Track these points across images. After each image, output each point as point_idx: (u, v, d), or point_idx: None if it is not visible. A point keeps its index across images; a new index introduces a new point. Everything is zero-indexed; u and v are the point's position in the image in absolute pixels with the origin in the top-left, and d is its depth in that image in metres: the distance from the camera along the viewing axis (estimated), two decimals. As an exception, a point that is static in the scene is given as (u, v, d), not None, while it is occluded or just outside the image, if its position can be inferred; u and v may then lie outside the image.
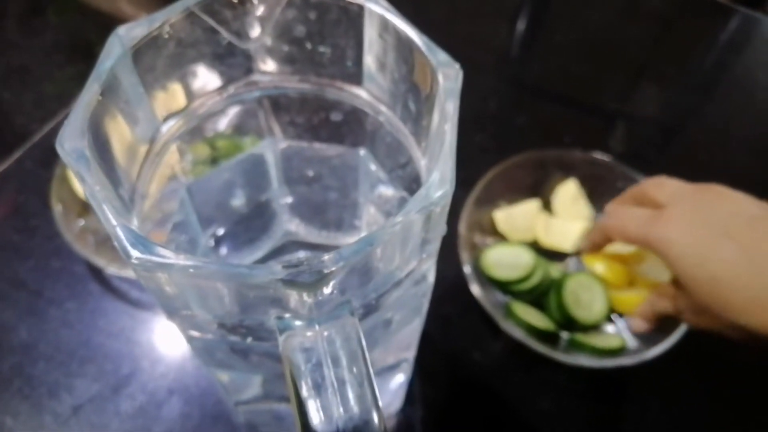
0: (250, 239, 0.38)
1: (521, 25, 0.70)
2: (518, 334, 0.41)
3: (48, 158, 0.49)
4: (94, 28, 0.66)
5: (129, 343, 0.42)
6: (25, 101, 0.57)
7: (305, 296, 0.17)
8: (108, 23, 0.66)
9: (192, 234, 0.33)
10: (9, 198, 0.49)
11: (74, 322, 0.43)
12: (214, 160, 0.33)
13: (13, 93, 0.58)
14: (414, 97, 0.24)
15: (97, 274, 0.45)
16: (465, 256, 0.44)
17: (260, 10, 0.24)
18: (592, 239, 0.44)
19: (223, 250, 0.36)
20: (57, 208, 0.43)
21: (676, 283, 0.38)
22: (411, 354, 0.34)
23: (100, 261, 0.42)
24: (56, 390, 0.40)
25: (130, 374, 0.41)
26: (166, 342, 0.43)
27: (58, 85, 0.59)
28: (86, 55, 0.62)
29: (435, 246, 0.23)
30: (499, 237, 0.48)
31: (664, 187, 0.40)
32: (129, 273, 0.42)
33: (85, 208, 0.45)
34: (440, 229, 0.22)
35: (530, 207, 0.49)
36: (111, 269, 0.42)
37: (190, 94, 0.26)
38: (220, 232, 0.35)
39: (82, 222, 0.45)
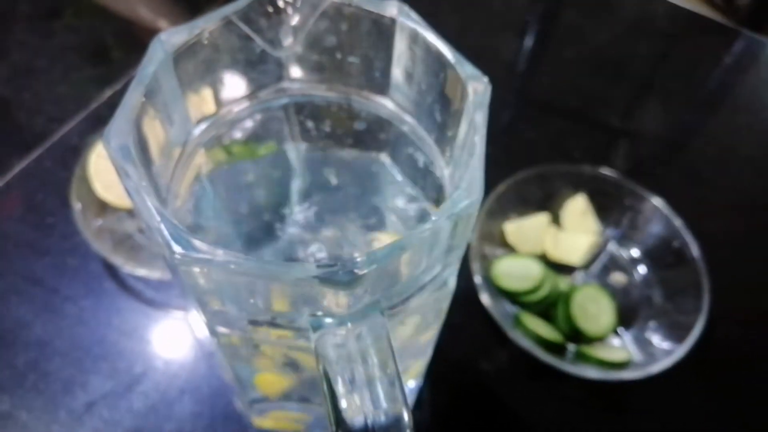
0: (261, 240, 0.38)
1: (530, 40, 0.72)
2: (526, 344, 0.42)
3: (66, 158, 0.50)
4: (112, 31, 0.67)
5: (143, 341, 0.43)
6: (43, 101, 0.57)
7: (342, 294, 0.18)
8: (125, 27, 0.68)
9: (213, 233, 0.33)
10: (27, 196, 0.50)
11: (89, 319, 0.44)
12: (228, 166, 0.34)
13: (32, 93, 0.59)
14: (440, 107, 0.25)
15: (113, 272, 0.45)
16: (476, 267, 0.45)
17: (295, 20, 0.25)
18: None
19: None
20: (76, 206, 0.44)
21: None
22: (425, 360, 0.35)
23: (116, 260, 0.43)
24: (70, 386, 0.41)
25: (143, 373, 0.42)
26: (180, 342, 0.43)
27: (76, 86, 0.59)
28: (104, 57, 0.63)
29: (459, 253, 0.23)
30: (509, 249, 0.49)
31: None
32: (145, 272, 0.43)
33: (103, 208, 0.46)
34: (466, 236, 0.22)
35: (539, 220, 0.50)
36: (127, 268, 0.43)
37: (221, 99, 0.27)
38: (237, 231, 0.36)
39: (100, 221, 0.45)
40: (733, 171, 0.59)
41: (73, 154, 0.48)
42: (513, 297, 0.46)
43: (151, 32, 0.23)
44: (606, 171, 0.51)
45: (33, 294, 0.44)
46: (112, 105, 0.20)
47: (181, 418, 0.40)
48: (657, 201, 0.49)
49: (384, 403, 0.18)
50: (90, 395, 0.40)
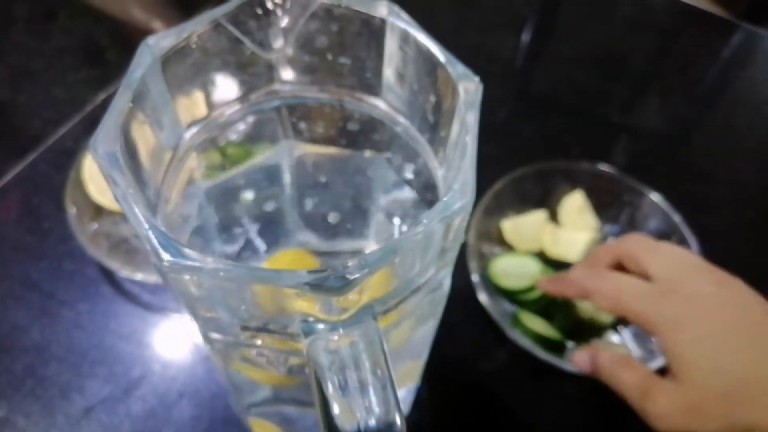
0: (262, 244, 0.38)
1: (528, 37, 0.71)
2: (525, 342, 0.42)
3: (62, 161, 0.50)
4: (107, 33, 0.67)
5: (140, 345, 0.43)
6: (38, 104, 0.57)
7: (333, 300, 0.18)
8: (120, 28, 0.68)
9: (207, 239, 0.33)
10: (23, 200, 0.50)
11: (86, 324, 0.43)
12: (223, 167, 0.34)
13: (27, 96, 0.59)
14: (432, 108, 0.25)
15: (109, 276, 0.45)
16: (473, 265, 0.45)
17: (284, 22, 0.25)
18: (561, 291, 0.41)
19: (235, 256, 0.36)
20: (71, 211, 0.44)
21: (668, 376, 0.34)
22: (421, 361, 0.35)
23: (112, 264, 0.43)
24: (68, 391, 0.41)
25: (141, 377, 0.41)
26: (177, 345, 0.43)
27: (71, 88, 0.59)
28: (99, 59, 0.63)
29: (453, 254, 0.23)
30: (507, 246, 0.49)
31: (656, 254, 0.36)
32: (141, 276, 0.43)
33: (98, 212, 0.46)
34: (459, 237, 0.22)
35: (537, 217, 0.50)
36: (123, 272, 0.43)
37: (212, 103, 0.27)
38: (233, 236, 0.36)
39: (95, 225, 0.45)
40: (732, 166, 0.59)
41: (68, 157, 0.48)
42: (511, 296, 0.45)
43: (146, 33, 0.23)
44: (604, 167, 0.51)
45: (29, 299, 0.44)
46: (107, 107, 0.20)
47: (180, 421, 0.40)
48: (655, 196, 0.49)
49: (376, 409, 0.18)
50: (88, 400, 0.40)
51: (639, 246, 0.38)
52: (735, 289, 0.34)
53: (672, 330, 0.32)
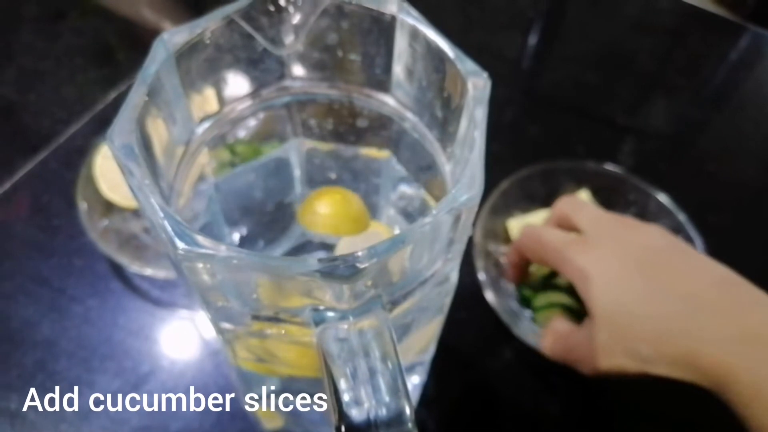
0: (271, 239, 0.39)
1: (534, 37, 0.72)
2: (530, 340, 0.42)
3: (72, 159, 0.50)
4: (116, 32, 0.68)
5: (149, 341, 0.43)
6: (48, 104, 0.58)
7: (344, 289, 0.18)
8: (129, 28, 0.68)
9: (217, 233, 0.34)
10: (33, 198, 0.50)
11: (96, 319, 0.44)
12: (233, 165, 0.34)
13: (37, 95, 0.59)
14: (441, 104, 0.25)
15: (118, 272, 0.46)
16: (480, 263, 0.45)
17: (296, 18, 0.25)
18: (510, 261, 0.45)
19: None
20: (82, 207, 0.44)
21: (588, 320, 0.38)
22: (428, 356, 0.35)
23: (122, 260, 0.43)
24: (77, 385, 0.41)
25: (150, 372, 0.42)
26: (186, 341, 0.43)
27: (81, 88, 0.60)
28: (108, 59, 0.64)
29: (460, 247, 0.24)
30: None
31: (582, 211, 0.41)
32: (150, 272, 0.43)
33: (109, 208, 0.46)
34: (466, 230, 0.22)
35: (543, 216, 0.50)
36: (132, 268, 0.43)
37: (224, 98, 0.27)
38: (243, 231, 0.36)
39: (105, 222, 0.46)
40: (738, 166, 0.59)
41: (78, 155, 0.49)
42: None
43: (155, 33, 0.23)
44: (610, 167, 0.51)
45: (40, 294, 0.45)
46: (117, 106, 0.20)
47: (188, 417, 0.40)
48: (661, 197, 0.49)
49: (386, 397, 0.18)
50: (97, 394, 0.41)
51: (567, 206, 0.42)
52: (649, 235, 0.38)
53: (585, 276, 0.36)
